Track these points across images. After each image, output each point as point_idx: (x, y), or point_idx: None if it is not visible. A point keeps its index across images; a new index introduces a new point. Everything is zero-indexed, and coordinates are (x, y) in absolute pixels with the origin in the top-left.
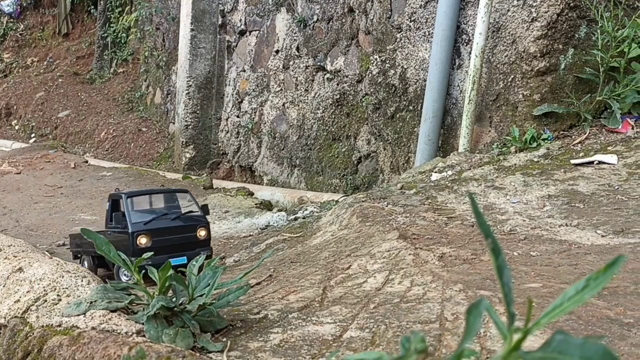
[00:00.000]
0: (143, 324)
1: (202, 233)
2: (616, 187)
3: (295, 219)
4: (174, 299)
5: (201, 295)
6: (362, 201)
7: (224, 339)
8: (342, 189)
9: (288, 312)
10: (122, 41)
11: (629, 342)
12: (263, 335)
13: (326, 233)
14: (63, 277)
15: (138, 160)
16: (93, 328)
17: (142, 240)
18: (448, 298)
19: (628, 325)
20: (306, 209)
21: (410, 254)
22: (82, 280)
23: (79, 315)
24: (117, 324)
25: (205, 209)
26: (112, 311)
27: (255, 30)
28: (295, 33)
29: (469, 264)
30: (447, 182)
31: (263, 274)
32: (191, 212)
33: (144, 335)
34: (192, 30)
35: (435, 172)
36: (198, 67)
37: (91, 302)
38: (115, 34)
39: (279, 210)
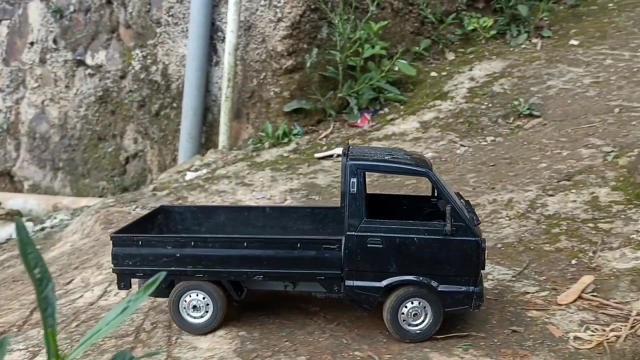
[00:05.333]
0: None
1: None
2: None
3: (42, 229)
4: None
5: None
6: (110, 206)
7: None
8: (110, 191)
9: None
10: None
11: (307, 330)
12: None
13: (67, 243)
14: None
15: None
16: None
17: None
18: (156, 306)
19: (313, 312)
20: (56, 218)
21: None
22: None
23: None
24: None
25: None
26: None
27: (6, 19)
28: (51, 24)
29: None
30: (200, 181)
31: None
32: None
33: None
34: None
35: (192, 171)
36: None
37: None
38: None
39: (28, 221)
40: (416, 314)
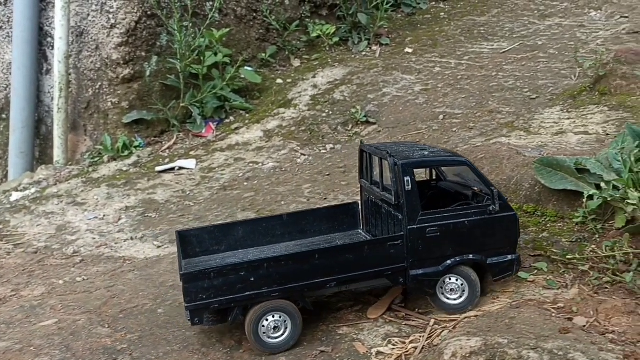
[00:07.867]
0: None
1: None
2: (188, 193)
3: None
4: None
5: None
6: None
7: None
8: None
9: None
10: None
11: None
12: None
13: None
14: None
15: None
16: None
17: None
18: None
19: (119, 351)
20: None
21: None
22: None
23: None
24: None
25: None
26: None
27: None
28: None
29: None
30: (27, 202)
31: None
32: None
33: None
34: None
35: (19, 190)
36: None
37: None
38: None
39: None
40: (452, 289)
